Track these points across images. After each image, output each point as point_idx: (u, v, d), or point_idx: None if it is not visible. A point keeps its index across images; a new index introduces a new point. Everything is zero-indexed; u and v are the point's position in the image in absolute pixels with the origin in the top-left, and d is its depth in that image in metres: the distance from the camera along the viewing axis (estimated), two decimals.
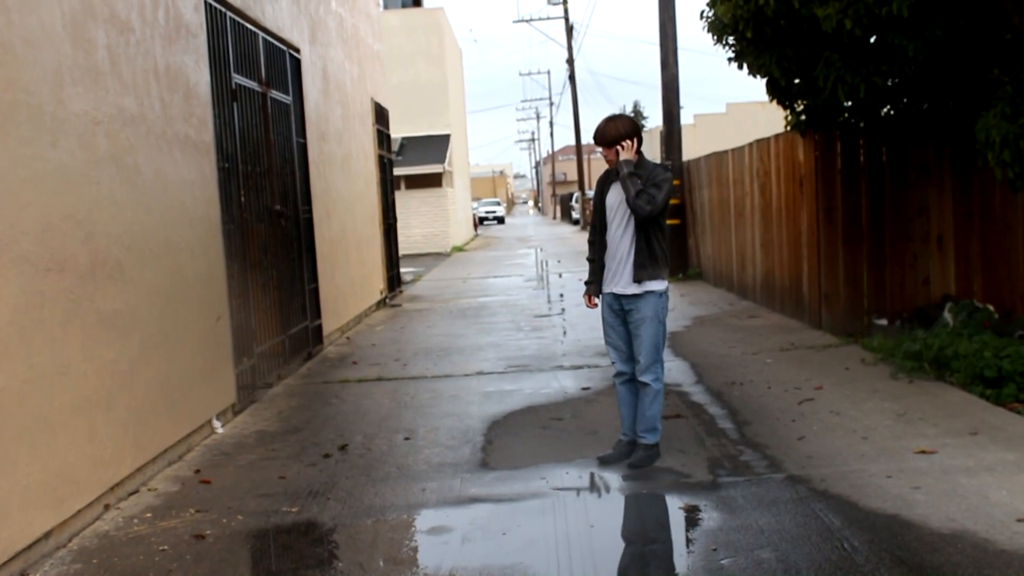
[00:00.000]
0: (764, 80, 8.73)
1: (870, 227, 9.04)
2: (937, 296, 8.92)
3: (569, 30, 43.20)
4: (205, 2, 6.96)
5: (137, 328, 5.44)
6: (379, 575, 4.04)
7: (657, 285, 5.26)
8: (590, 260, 5.56)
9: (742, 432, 5.91)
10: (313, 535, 4.56)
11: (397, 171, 22.23)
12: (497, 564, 4.05)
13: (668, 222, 5.48)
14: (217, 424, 6.63)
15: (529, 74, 78.05)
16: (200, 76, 6.71)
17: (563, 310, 12.55)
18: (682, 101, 16.06)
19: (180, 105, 6.30)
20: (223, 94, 7.26)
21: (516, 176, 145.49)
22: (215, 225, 6.86)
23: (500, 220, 60.12)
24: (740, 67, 8.67)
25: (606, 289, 5.42)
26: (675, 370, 7.82)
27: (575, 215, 45.82)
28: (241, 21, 7.84)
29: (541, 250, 27.02)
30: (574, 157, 53.06)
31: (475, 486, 5.13)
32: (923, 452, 5.22)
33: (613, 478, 5.16)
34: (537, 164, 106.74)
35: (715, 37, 8.74)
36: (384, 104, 15.35)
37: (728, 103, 46.83)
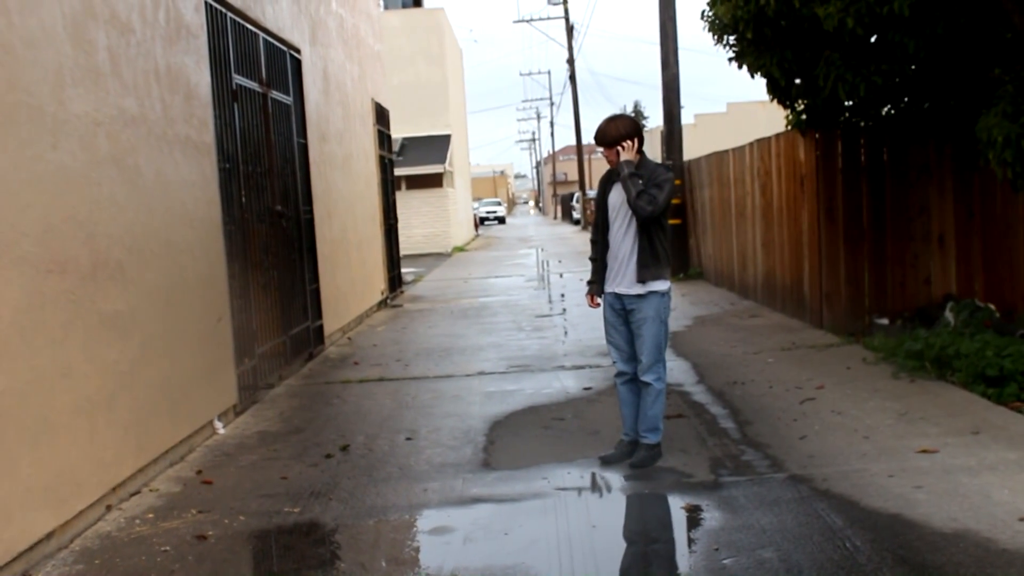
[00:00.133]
0: (765, 80, 8.73)
1: (871, 226, 9.04)
2: (938, 295, 8.91)
3: (569, 30, 43.21)
4: (206, 3, 6.96)
5: (138, 329, 5.44)
6: (381, 575, 4.04)
7: (660, 285, 5.26)
8: (592, 260, 5.55)
9: (744, 432, 5.91)
10: (315, 535, 4.56)
11: (398, 171, 22.23)
12: (499, 564, 4.05)
13: (669, 222, 5.47)
14: (219, 425, 6.63)
15: (529, 74, 78.11)
16: (201, 77, 6.71)
17: (564, 310, 12.55)
18: (683, 101, 16.07)
19: (181, 106, 6.30)
20: (224, 95, 7.26)
21: (517, 176, 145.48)
22: (216, 226, 6.86)
23: (501, 220, 60.12)
24: (740, 67, 8.68)
25: (608, 289, 5.42)
26: (677, 370, 7.81)
27: (576, 215, 45.81)
28: (241, 22, 7.85)
29: (542, 250, 27.01)
30: (575, 157, 53.04)
31: (477, 486, 5.13)
32: (925, 451, 5.22)
33: (615, 478, 5.16)
34: (538, 164, 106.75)
35: (715, 37, 8.74)
36: (385, 104, 15.35)
37: (729, 103, 46.88)
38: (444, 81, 30.85)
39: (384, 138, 15.15)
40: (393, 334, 11.21)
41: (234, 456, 6.02)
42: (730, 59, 8.79)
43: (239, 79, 7.66)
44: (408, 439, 6.18)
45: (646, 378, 5.27)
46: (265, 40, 8.49)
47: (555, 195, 69.93)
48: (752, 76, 8.58)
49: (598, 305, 5.57)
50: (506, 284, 17.10)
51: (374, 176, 13.99)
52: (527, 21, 47.86)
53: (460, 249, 30.00)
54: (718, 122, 43.49)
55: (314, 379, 8.54)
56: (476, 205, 52.62)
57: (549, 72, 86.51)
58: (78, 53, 4.93)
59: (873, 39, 7.68)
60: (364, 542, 4.46)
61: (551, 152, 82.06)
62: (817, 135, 9.18)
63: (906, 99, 8.92)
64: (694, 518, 4.55)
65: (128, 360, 5.28)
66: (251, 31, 8.10)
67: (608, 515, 4.73)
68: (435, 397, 7.43)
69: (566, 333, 10.43)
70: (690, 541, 4.31)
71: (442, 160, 28.77)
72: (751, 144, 11.70)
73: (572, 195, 53.48)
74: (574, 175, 70.57)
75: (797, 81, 8.60)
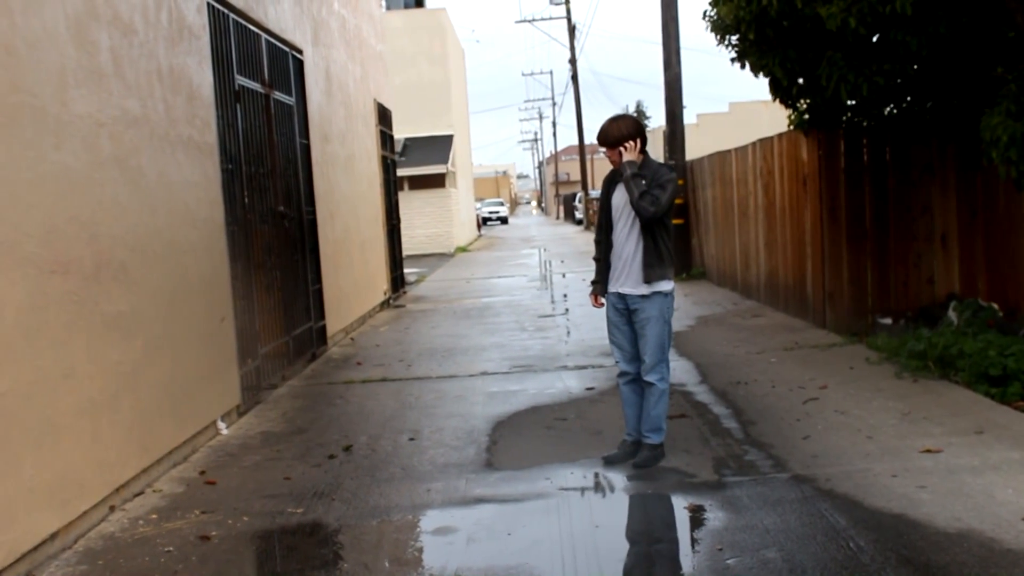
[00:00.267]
0: (767, 80, 8.73)
1: (874, 226, 9.03)
2: (941, 295, 8.90)
3: (571, 30, 43.22)
4: (208, 4, 6.96)
5: (141, 330, 5.44)
6: (384, 575, 4.05)
7: (664, 285, 5.25)
8: (596, 260, 5.55)
9: (747, 432, 5.91)
10: (318, 536, 4.56)
11: (400, 172, 22.22)
12: (502, 564, 4.05)
13: (672, 222, 5.47)
14: (222, 425, 6.63)
15: (532, 74, 77.99)
16: (203, 78, 6.71)
17: (567, 310, 12.55)
18: (685, 100, 16.08)
19: (183, 107, 6.30)
20: (226, 95, 7.27)
21: (519, 176, 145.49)
22: (219, 226, 6.87)
23: (503, 220, 60.13)
24: (743, 67, 8.67)
25: (612, 288, 5.42)
26: (679, 370, 7.81)
27: (578, 215, 45.80)
28: (244, 22, 7.85)
29: (545, 250, 27.00)
30: (577, 157, 53.05)
31: (480, 486, 5.13)
32: (928, 451, 5.21)
33: (618, 478, 5.15)
34: (540, 164, 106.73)
35: (718, 37, 8.73)
36: (387, 105, 15.35)
37: (731, 102, 46.90)
38: (446, 81, 30.87)
39: (386, 138, 15.16)
40: (396, 334, 11.21)
41: (237, 457, 6.02)
42: (732, 59, 8.78)
43: (241, 80, 7.67)
44: (411, 439, 6.18)
45: (649, 378, 5.27)
46: (267, 41, 8.50)
47: (557, 195, 69.92)
48: (755, 76, 8.58)
49: (602, 305, 5.57)
50: (509, 284, 17.10)
51: (376, 176, 14.00)
52: (529, 21, 47.86)
53: (463, 249, 30.01)
54: (720, 122, 43.50)
55: (317, 379, 8.54)
56: (479, 205, 52.63)
57: (551, 72, 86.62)
58: (81, 54, 4.93)
59: (875, 38, 7.68)
60: (367, 542, 4.46)
61: (553, 152, 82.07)
62: (820, 135, 9.17)
63: (909, 98, 8.91)
64: (697, 518, 4.54)
65: (131, 361, 5.28)
66: (253, 32, 8.11)
67: (611, 515, 4.73)
68: (438, 397, 7.43)
69: (569, 333, 10.42)
70: (693, 541, 4.31)
71: (444, 160, 28.78)
72: (754, 144, 11.69)
73: (575, 195, 53.50)
74: (577, 175, 70.58)
75: (800, 81, 8.59)
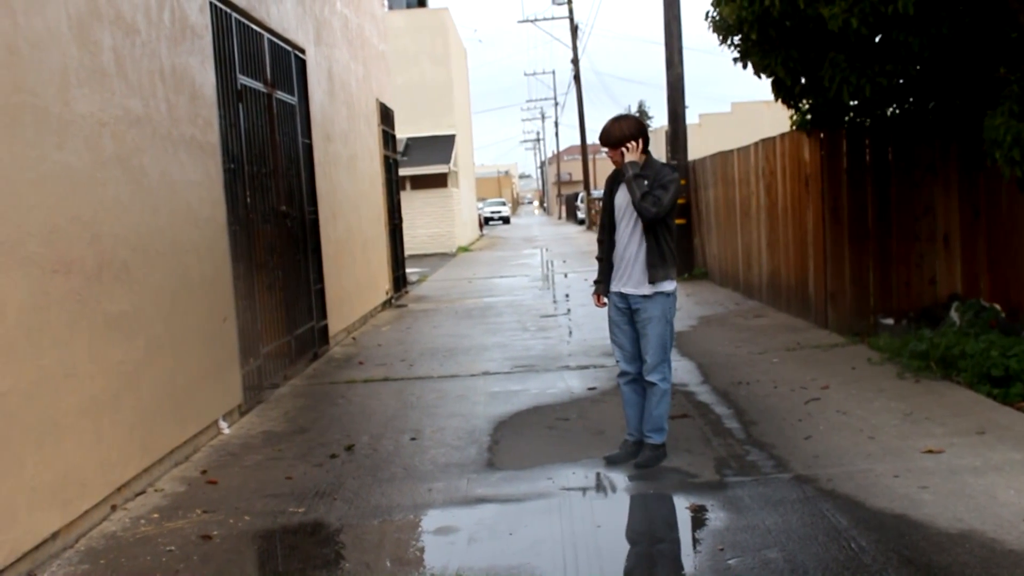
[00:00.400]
0: (769, 80, 8.72)
1: (876, 226, 9.02)
2: (943, 295, 8.89)
3: (574, 30, 43.19)
4: (210, 3, 6.97)
5: (143, 329, 5.45)
6: (386, 575, 4.05)
7: (667, 285, 5.25)
8: (599, 259, 5.55)
9: (748, 432, 5.91)
10: (320, 535, 4.57)
11: (402, 171, 22.25)
12: (504, 564, 4.05)
13: (675, 222, 5.46)
14: (223, 425, 6.64)
15: (534, 74, 77.97)
16: (206, 77, 6.72)
17: (569, 310, 12.55)
18: (687, 101, 16.12)
19: (186, 106, 6.31)
20: (228, 95, 7.27)
21: (521, 176, 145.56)
22: (221, 226, 6.87)
23: (505, 220, 60.12)
24: (745, 67, 8.66)
25: (614, 288, 5.41)
26: (681, 370, 7.80)
27: (580, 215, 45.78)
28: (246, 22, 7.85)
29: (546, 250, 27.02)
30: (579, 157, 53.05)
31: (481, 486, 5.13)
32: (930, 452, 5.21)
33: (619, 478, 5.15)
34: (542, 164, 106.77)
35: (720, 37, 8.72)
36: (389, 104, 15.36)
37: (733, 102, 46.86)
38: (448, 81, 30.86)
39: (389, 138, 15.16)
40: (398, 334, 11.21)
41: (239, 456, 6.02)
42: (735, 59, 8.78)
43: (244, 79, 7.67)
44: (413, 439, 6.18)
45: (651, 378, 5.27)
46: (270, 40, 8.50)
47: (559, 195, 69.92)
48: (757, 76, 8.57)
49: (605, 304, 5.57)
50: (511, 284, 17.10)
51: (379, 176, 14.00)
52: (531, 21, 47.88)
53: (465, 249, 30.01)
54: (723, 122, 43.47)
55: (319, 379, 8.54)
56: (480, 205, 52.62)
57: (553, 72, 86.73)
58: (83, 54, 4.94)
59: (878, 39, 7.67)
60: (369, 542, 4.47)
61: (555, 152, 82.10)
62: (822, 135, 9.16)
63: (911, 99, 8.90)
64: (699, 518, 4.54)
65: (133, 360, 5.29)
66: (256, 31, 8.11)
67: (613, 515, 4.73)
68: (440, 397, 7.43)
69: (571, 333, 10.42)
70: (695, 541, 4.31)
71: (446, 160, 28.78)
72: (756, 144, 11.69)
73: (577, 195, 53.49)
74: (579, 175, 70.61)
75: (802, 80, 8.59)
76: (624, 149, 5.26)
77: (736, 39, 8.59)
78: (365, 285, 12.39)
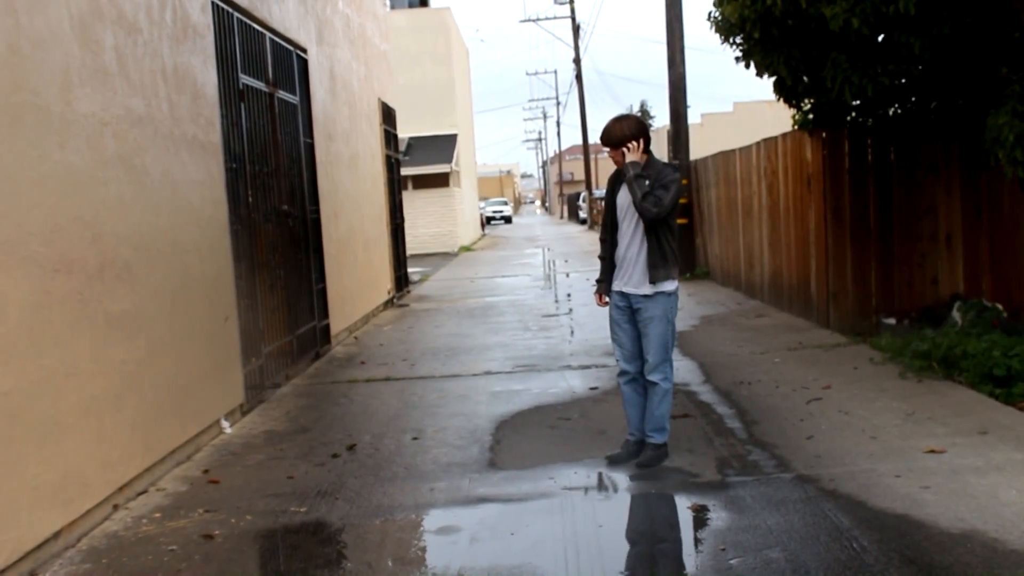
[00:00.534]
0: (771, 79, 8.71)
1: (878, 226, 9.01)
2: (946, 295, 8.89)
3: (576, 29, 43.19)
4: (212, 3, 6.97)
5: (145, 329, 5.45)
6: (388, 575, 4.05)
7: (668, 285, 5.25)
8: (601, 258, 5.56)
9: (750, 431, 5.90)
10: (321, 535, 4.57)
11: (404, 171, 22.24)
12: (505, 564, 4.05)
13: (677, 221, 5.46)
14: (225, 424, 6.64)
15: (536, 74, 78.10)
16: (207, 77, 6.72)
17: (571, 310, 12.54)
18: (689, 100, 16.05)
19: (188, 106, 6.31)
20: (230, 94, 7.27)
21: (523, 176, 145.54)
22: (223, 225, 6.87)
23: (507, 220, 60.11)
24: (747, 66, 8.66)
25: (616, 287, 5.41)
26: (683, 369, 7.80)
27: (582, 215, 45.78)
28: (248, 22, 7.86)
29: (548, 250, 27.02)
30: (581, 156, 53.04)
31: (483, 486, 5.13)
32: (932, 451, 5.20)
33: (621, 478, 5.15)
34: (544, 164, 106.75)
35: (722, 37, 8.72)
36: (391, 104, 15.36)
37: (735, 102, 46.88)
38: (450, 81, 30.86)
39: (390, 138, 15.17)
40: (400, 333, 11.22)
41: (241, 455, 6.03)
42: (737, 58, 8.77)
43: (246, 79, 7.67)
44: (414, 439, 6.18)
45: (653, 377, 5.27)
46: (272, 40, 8.50)
47: (561, 194, 69.91)
48: (759, 75, 8.56)
49: (607, 303, 5.57)
50: (512, 284, 17.10)
51: (380, 176, 14.01)
52: (533, 21, 47.89)
53: (466, 248, 30.01)
54: (725, 121, 43.49)
55: (321, 378, 8.55)
56: (482, 205, 52.61)
57: (555, 72, 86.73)
58: (85, 53, 4.94)
59: (880, 39, 7.66)
60: (370, 542, 4.47)
61: (557, 151, 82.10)
62: (824, 134, 9.16)
63: (913, 99, 8.89)
64: (700, 518, 4.54)
65: (135, 360, 5.29)
66: (258, 31, 8.12)
67: (614, 515, 4.73)
68: (441, 397, 7.44)
69: (572, 333, 10.42)
70: (696, 541, 4.31)
71: (448, 160, 28.78)
72: (758, 144, 11.68)
73: (579, 194, 53.48)
74: (580, 174, 70.61)
75: (804, 80, 8.58)
76: (625, 149, 5.26)
77: (738, 38, 8.58)
78: (367, 284, 12.39)
